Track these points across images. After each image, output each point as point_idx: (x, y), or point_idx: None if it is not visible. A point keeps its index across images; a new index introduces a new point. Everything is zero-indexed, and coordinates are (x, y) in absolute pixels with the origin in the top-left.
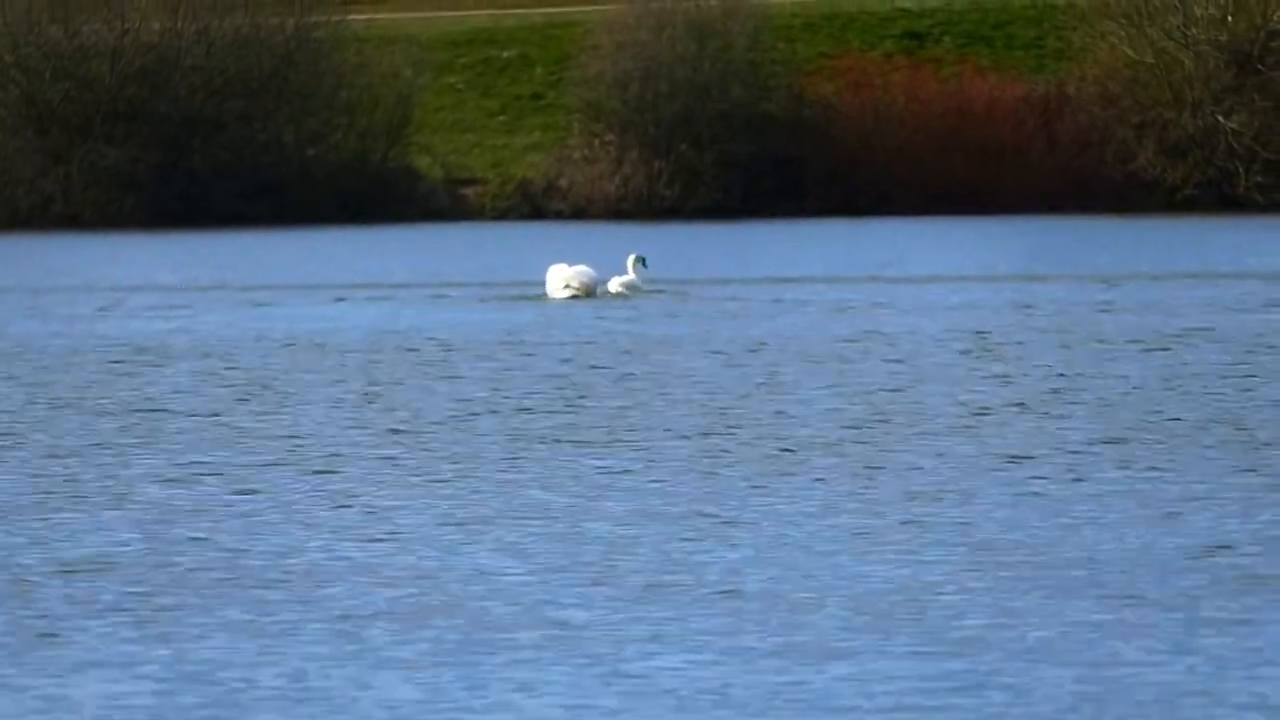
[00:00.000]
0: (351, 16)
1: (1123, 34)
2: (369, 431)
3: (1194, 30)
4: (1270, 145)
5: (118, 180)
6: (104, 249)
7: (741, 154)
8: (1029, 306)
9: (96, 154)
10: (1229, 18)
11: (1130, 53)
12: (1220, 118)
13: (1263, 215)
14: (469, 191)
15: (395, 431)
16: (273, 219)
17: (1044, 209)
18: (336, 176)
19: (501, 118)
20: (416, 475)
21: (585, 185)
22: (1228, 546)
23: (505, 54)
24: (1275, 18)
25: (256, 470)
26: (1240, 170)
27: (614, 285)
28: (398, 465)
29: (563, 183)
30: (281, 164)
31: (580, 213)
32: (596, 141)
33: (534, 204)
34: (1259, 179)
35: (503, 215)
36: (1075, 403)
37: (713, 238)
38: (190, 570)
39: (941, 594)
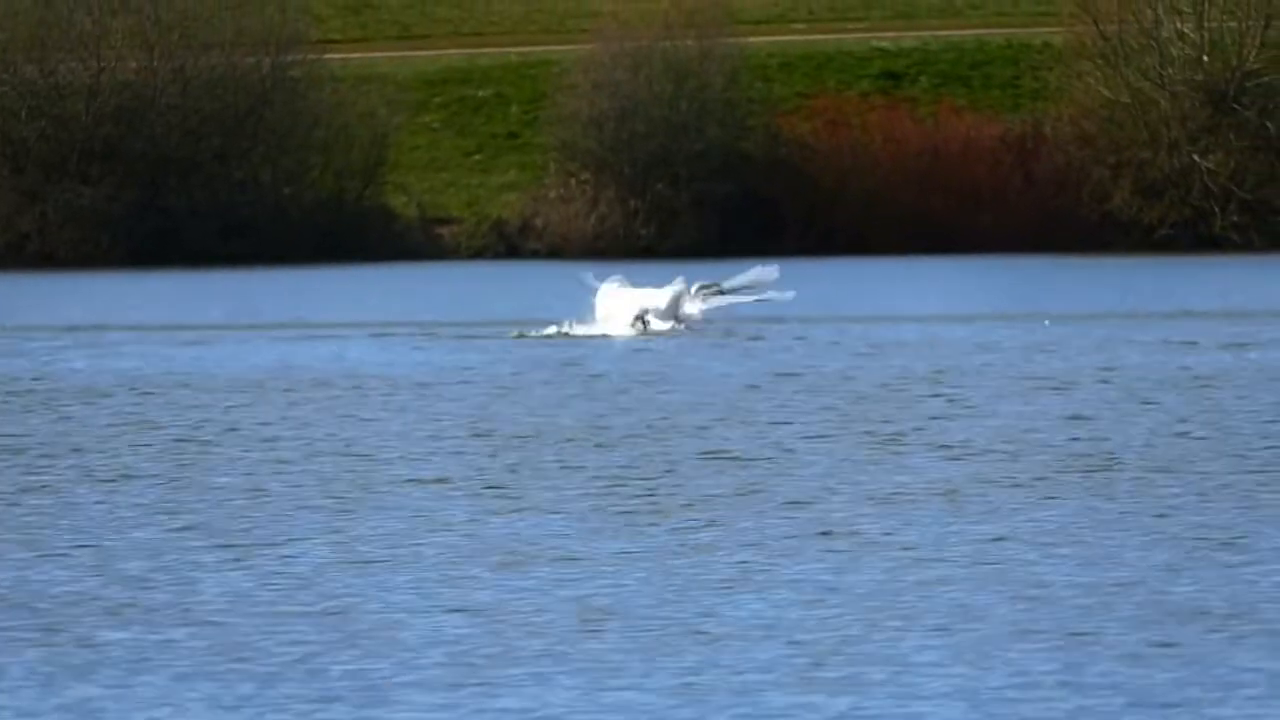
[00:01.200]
0: (327, 56)
1: (1099, 74)
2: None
3: (1170, 70)
4: (1246, 185)
5: (93, 219)
6: (76, 287)
7: (718, 193)
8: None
9: (72, 193)
10: (1204, 58)
11: (1106, 93)
12: (1196, 157)
13: (1238, 254)
14: (444, 231)
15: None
16: (248, 258)
17: (1020, 248)
18: (312, 215)
19: (477, 157)
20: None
21: (561, 224)
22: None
23: (481, 93)
24: (1250, 58)
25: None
26: (1216, 210)
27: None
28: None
29: (538, 222)
30: (257, 203)
31: (556, 252)
32: (572, 181)
33: (510, 243)
34: (1235, 218)
35: (478, 254)
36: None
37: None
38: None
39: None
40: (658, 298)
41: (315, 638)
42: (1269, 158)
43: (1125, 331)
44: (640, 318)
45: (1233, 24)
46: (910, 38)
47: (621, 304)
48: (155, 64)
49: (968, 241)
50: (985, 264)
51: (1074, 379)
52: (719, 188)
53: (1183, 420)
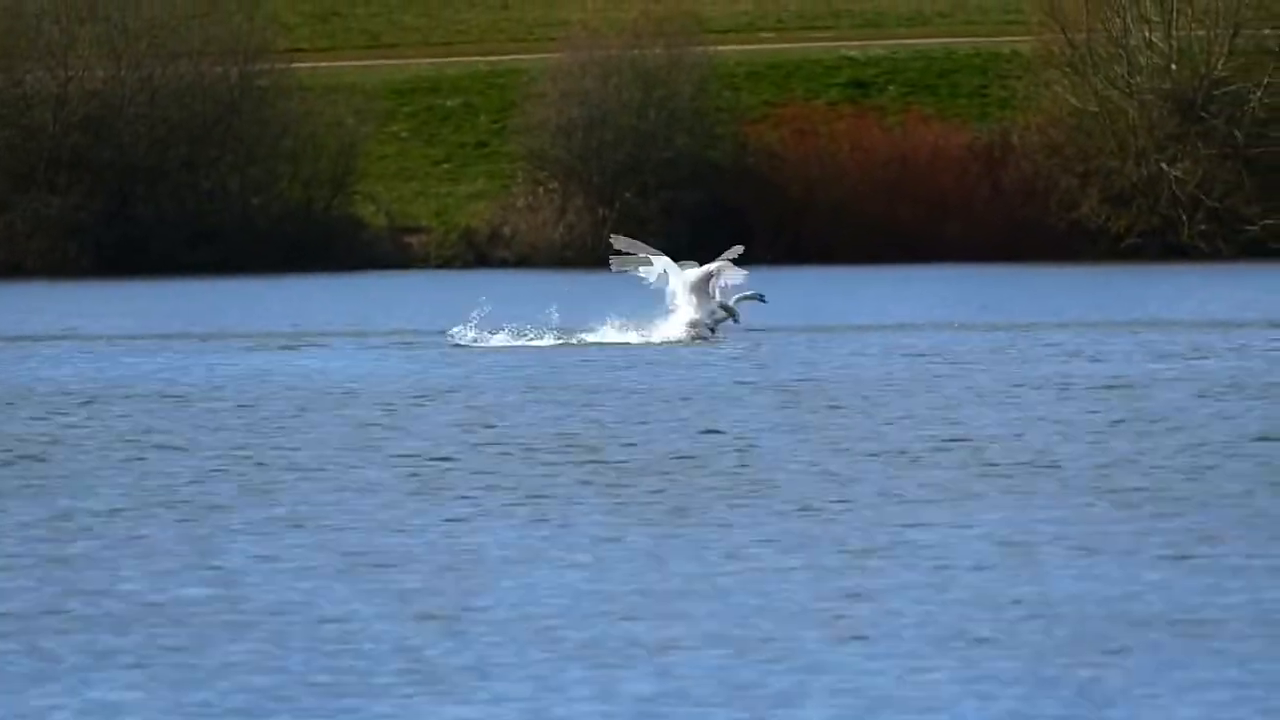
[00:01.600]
0: (295, 65)
1: (1066, 83)
2: None
3: (1138, 79)
4: (1213, 193)
5: (61, 228)
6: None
7: (687, 202)
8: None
9: (40, 202)
10: (1172, 66)
11: (1074, 101)
12: (1164, 166)
13: (1206, 263)
14: (413, 240)
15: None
16: (217, 267)
17: (988, 258)
18: (280, 224)
19: (446, 166)
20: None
21: (530, 233)
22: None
23: (449, 102)
24: (1218, 66)
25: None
26: (1184, 218)
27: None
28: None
29: (507, 231)
30: (225, 211)
31: (524, 261)
32: (541, 189)
33: (478, 252)
34: (1202, 227)
35: (447, 263)
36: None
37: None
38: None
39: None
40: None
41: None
42: (1237, 166)
43: (1088, 340)
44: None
45: (1201, 33)
46: (878, 46)
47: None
48: (123, 73)
49: (936, 251)
50: (952, 273)
51: (1029, 387)
52: (687, 196)
53: (1120, 429)
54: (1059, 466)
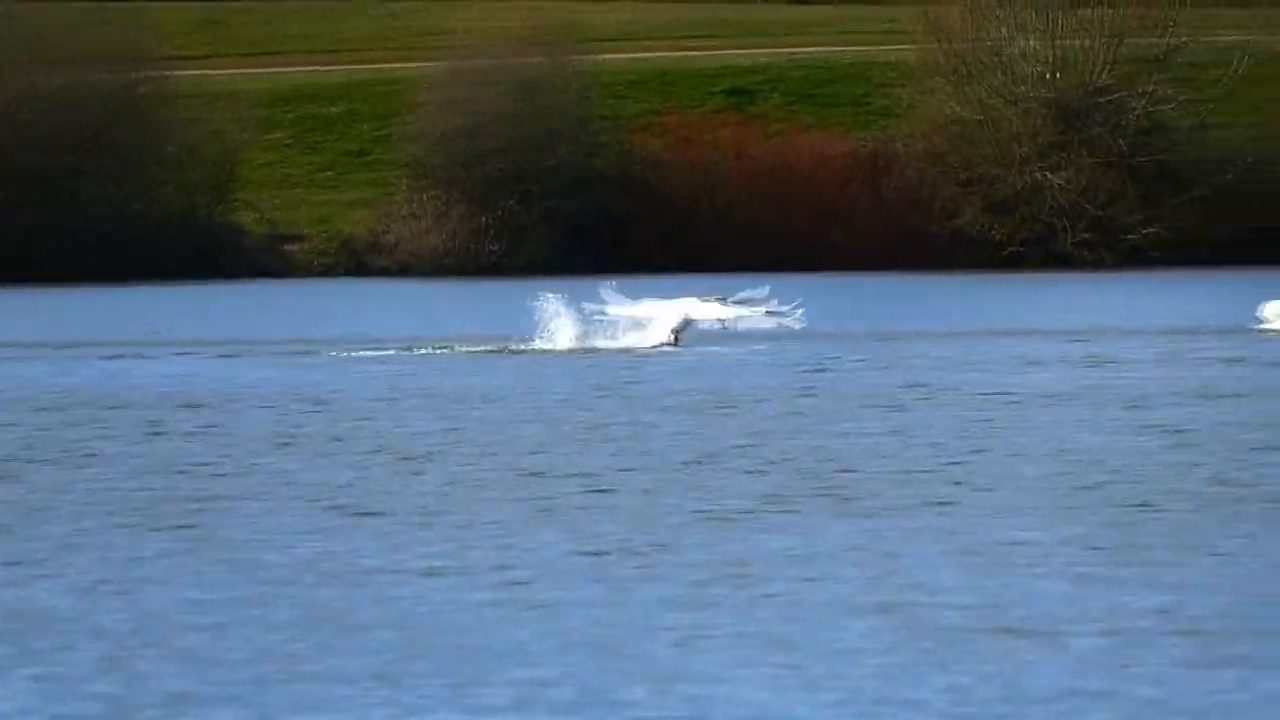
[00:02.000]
0: (178, 72)
1: (949, 90)
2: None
3: (1020, 88)
4: (1096, 202)
5: None
6: None
7: (570, 210)
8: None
9: None
10: (1055, 75)
11: (956, 109)
12: (1046, 174)
13: (1087, 271)
14: (294, 248)
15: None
16: (99, 275)
17: (874, 265)
18: (162, 232)
19: (327, 173)
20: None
21: (410, 241)
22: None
23: (331, 109)
24: (1101, 75)
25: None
26: (1066, 227)
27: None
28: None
29: (388, 239)
30: (108, 219)
31: (405, 269)
32: (423, 197)
33: (358, 260)
34: (1085, 235)
35: (327, 271)
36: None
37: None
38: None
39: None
40: (700, 310)
41: None
42: (1119, 175)
43: (931, 350)
44: (678, 331)
45: (1084, 42)
46: (761, 54)
47: (658, 314)
48: (5, 80)
49: (821, 258)
50: (833, 282)
51: (898, 399)
52: (570, 204)
53: (991, 438)
54: (915, 477)
